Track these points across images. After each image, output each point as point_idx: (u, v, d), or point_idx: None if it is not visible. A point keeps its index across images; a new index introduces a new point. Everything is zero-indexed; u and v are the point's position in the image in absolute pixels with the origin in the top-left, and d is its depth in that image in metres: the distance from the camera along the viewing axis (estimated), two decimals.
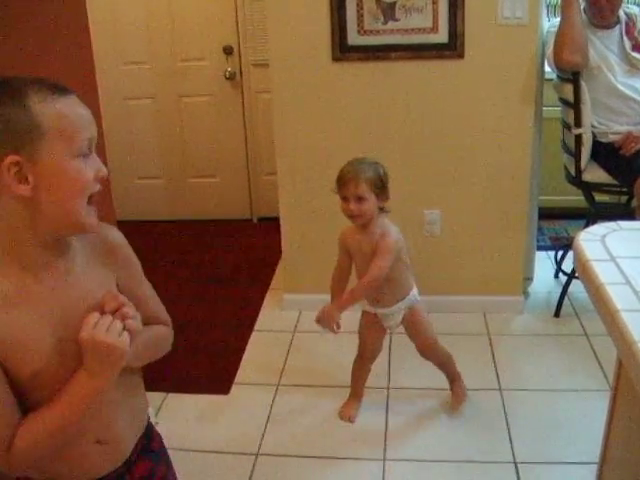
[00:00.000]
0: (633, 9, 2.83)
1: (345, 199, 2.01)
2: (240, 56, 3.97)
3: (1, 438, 0.97)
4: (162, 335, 1.25)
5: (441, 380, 2.48)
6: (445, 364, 2.33)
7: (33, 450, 1.00)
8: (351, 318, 2.89)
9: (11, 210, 0.96)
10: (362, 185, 1.98)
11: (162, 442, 1.31)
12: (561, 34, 2.60)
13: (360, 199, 1.98)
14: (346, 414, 2.30)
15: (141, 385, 1.24)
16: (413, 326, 2.23)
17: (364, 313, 2.27)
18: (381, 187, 2.02)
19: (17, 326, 0.97)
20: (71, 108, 0.97)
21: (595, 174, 2.76)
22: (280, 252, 3.09)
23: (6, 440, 0.97)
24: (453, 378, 2.35)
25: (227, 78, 3.99)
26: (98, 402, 1.04)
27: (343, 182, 2.01)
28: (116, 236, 1.15)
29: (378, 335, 2.27)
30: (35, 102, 0.93)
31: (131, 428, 1.18)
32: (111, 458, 1.14)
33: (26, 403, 1.01)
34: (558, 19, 2.70)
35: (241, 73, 4.01)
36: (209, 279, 3.46)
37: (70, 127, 0.95)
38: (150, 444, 1.25)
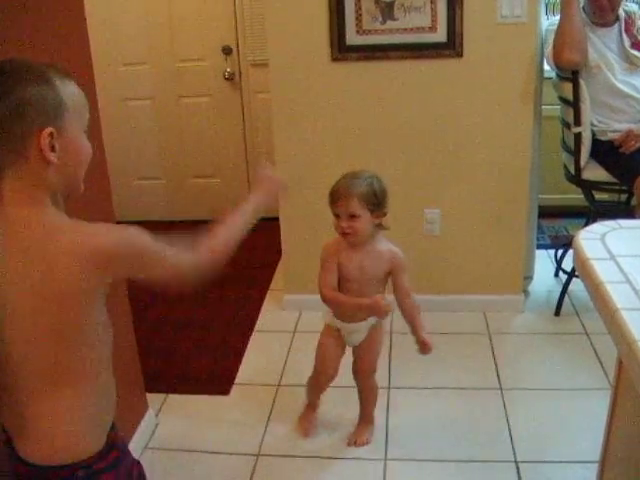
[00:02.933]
0: (632, 7, 2.83)
1: (337, 216, 1.90)
2: (239, 56, 3.97)
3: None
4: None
5: (442, 380, 2.49)
6: (371, 396, 2.21)
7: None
8: None
9: (37, 174, 1.08)
10: (354, 202, 1.85)
11: None
12: (561, 33, 2.60)
13: (352, 216, 1.87)
14: (301, 429, 2.23)
15: None
16: (371, 344, 2.10)
17: (327, 330, 2.12)
18: (376, 203, 1.89)
19: None
20: (79, 90, 1.13)
21: (595, 172, 2.76)
22: (280, 252, 3.09)
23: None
24: (368, 417, 2.22)
25: (226, 78, 3.99)
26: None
27: (335, 198, 1.89)
28: None
29: (337, 354, 2.12)
30: (57, 82, 1.08)
31: None
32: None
33: None
34: (557, 17, 2.70)
35: (240, 73, 4.01)
36: (209, 279, 3.45)
37: (80, 105, 1.13)
38: None
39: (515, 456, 2.09)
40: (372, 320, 2.05)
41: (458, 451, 2.13)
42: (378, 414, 2.29)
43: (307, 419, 2.26)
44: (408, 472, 2.06)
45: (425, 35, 2.62)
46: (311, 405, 2.27)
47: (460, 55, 2.64)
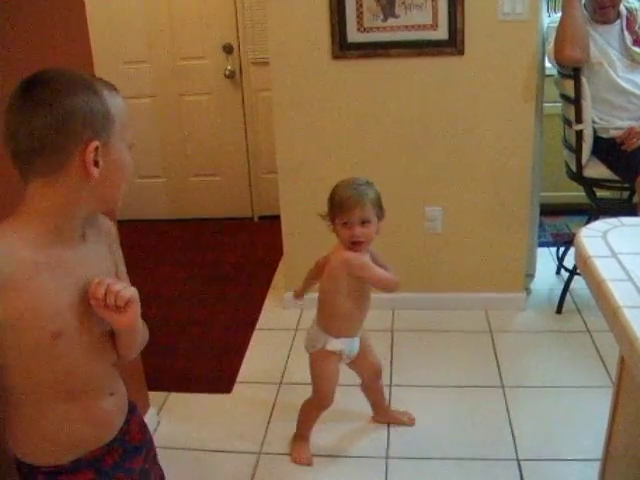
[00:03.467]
0: (633, 3, 2.83)
1: (346, 225, 1.87)
2: (240, 54, 3.96)
3: None
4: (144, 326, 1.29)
5: (444, 377, 2.49)
6: (383, 394, 2.25)
7: None
8: None
9: (73, 187, 1.04)
10: (368, 207, 1.85)
11: None
12: (562, 30, 2.59)
13: (364, 223, 1.86)
14: (302, 459, 2.12)
15: None
16: (366, 346, 2.10)
17: (330, 357, 2.01)
18: (380, 208, 1.91)
19: (41, 290, 1.04)
20: (124, 103, 1.11)
21: (596, 170, 2.75)
22: (281, 250, 3.09)
23: None
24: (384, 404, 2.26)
25: (227, 76, 3.98)
26: (112, 358, 1.20)
27: (347, 207, 1.85)
28: (112, 225, 1.29)
29: (337, 378, 2.07)
30: (105, 92, 1.06)
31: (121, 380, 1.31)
32: (121, 408, 1.27)
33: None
34: (559, 15, 2.69)
35: (241, 71, 4.01)
36: (210, 278, 3.46)
37: (126, 119, 1.11)
38: None
39: (517, 454, 2.09)
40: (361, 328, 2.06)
41: (460, 449, 2.13)
42: None
43: (304, 450, 2.14)
44: (410, 470, 2.06)
45: (426, 33, 2.62)
46: (304, 437, 2.16)
47: (461, 53, 2.63)
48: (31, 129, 1.00)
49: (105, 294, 1.08)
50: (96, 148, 1.02)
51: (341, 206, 1.87)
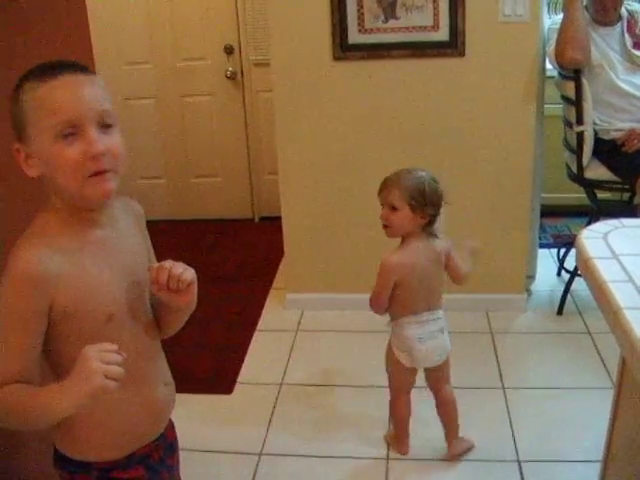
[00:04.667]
0: (635, 6, 2.83)
1: (382, 206, 1.90)
2: (241, 55, 3.97)
3: None
4: None
5: None
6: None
7: (2, 409, 1.03)
8: (352, 317, 2.90)
9: (45, 183, 1.07)
10: (394, 193, 1.84)
11: None
12: (564, 31, 2.59)
13: (392, 208, 1.86)
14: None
15: None
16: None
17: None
18: (421, 201, 1.83)
19: (89, 274, 1.08)
20: (52, 91, 1.01)
21: (597, 171, 2.75)
22: (282, 251, 3.09)
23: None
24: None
25: (228, 77, 3.99)
26: (158, 342, 1.25)
27: (381, 187, 1.90)
28: (141, 208, 1.28)
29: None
30: (25, 92, 1.03)
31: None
32: (173, 400, 1.29)
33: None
34: (560, 16, 2.69)
35: (242, 72, 4.01)
36: (211, 279, 3.46)
37: (47, 112, 1.01)
38: None
39: (518, 455, 2.09)
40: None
41: None
42: (380, 413, 2.29)
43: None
44: (411, 471, 2.06)
45: (427, 34, 2.62)
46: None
47: (462, 54, 2.63)
48: None
49: (168, 278, 1.10)
50: (17, 149, 1.05)
51: (380, 186, 1.91)
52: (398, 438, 2.13)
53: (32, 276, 1.01)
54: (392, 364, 2.03)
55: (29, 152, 1.04)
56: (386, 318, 2.01)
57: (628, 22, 2.75)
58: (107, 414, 1.14)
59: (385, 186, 1.89)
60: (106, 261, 1.11)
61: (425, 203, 1.84)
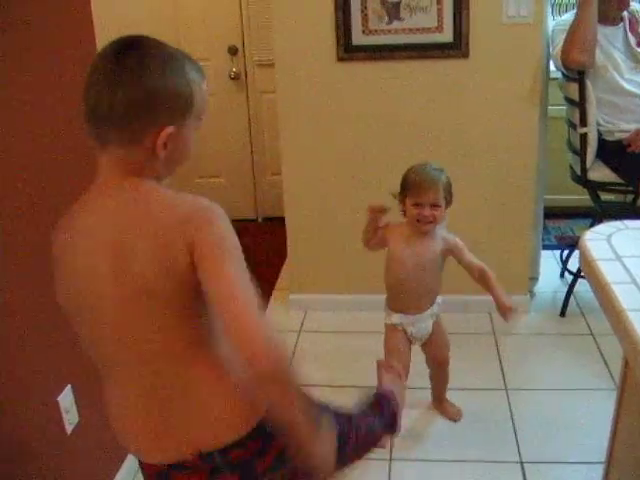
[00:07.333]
0: (636, 6, 2.83)
1: (417, 205, 1.97)
2: (245, 56, 3.98)
3: None
4: None
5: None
6: (445, 382, 2.30)
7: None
8: (355, 318, 2.90)
9: (139, 159, 1.06)
10: (440, 192, 1.96)
11: None
12: (574, 32, 2.57)
13: (434, 206, 1.96)
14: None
15: None
16: (438, 339, 2.17)
17: (391, 330, 2.13)
18: (450, 194, 2.01)
19: None
20: (205, 83, 1.08)
21: (601, 173, 2.75)
22: (285, 252, 3.09)
23: None
24: (444, 397, 2.32)
25: (232, 78, 4.00)
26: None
27: (423, 189, 1.96)
28: None
29: (406, 348, 2.13)
30: (193, 77, 1.04)
31: None
32: None
33: None
34: (565, 17, 2.69)
35: (246, 73, 4.02)
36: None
37: (204, 105, 1.08)
38: None
39: (520, 456, 2.09)
40: (435, 308, 2.13)
41: (463, 451, 2.13)
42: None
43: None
44: (413, 472, 2.06)
45: (431, 35, 2.62)
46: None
47: (466, 55, 2.64)
48: (113, 98, 0.99)
49: None
50: (170, 134, 1.03)
51: (416, 188, 1.98)
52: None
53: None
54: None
55: (174, 136, 1.04)
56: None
57: (630, 22, 2.75)
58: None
59: (428, 187, 1.96)
60: None
61: (451, 193, 2.01)
